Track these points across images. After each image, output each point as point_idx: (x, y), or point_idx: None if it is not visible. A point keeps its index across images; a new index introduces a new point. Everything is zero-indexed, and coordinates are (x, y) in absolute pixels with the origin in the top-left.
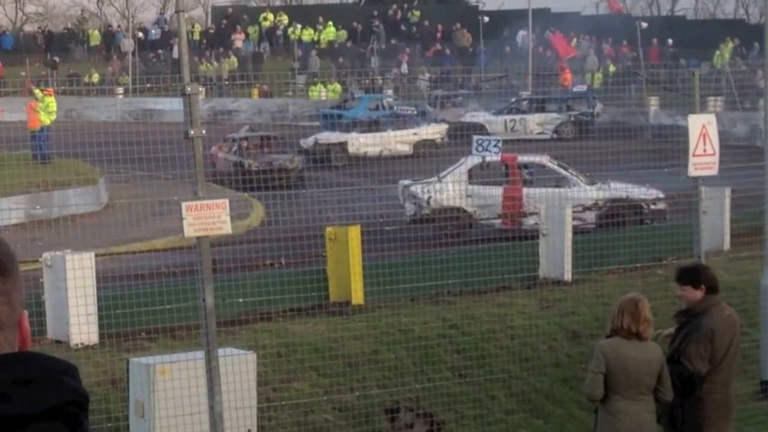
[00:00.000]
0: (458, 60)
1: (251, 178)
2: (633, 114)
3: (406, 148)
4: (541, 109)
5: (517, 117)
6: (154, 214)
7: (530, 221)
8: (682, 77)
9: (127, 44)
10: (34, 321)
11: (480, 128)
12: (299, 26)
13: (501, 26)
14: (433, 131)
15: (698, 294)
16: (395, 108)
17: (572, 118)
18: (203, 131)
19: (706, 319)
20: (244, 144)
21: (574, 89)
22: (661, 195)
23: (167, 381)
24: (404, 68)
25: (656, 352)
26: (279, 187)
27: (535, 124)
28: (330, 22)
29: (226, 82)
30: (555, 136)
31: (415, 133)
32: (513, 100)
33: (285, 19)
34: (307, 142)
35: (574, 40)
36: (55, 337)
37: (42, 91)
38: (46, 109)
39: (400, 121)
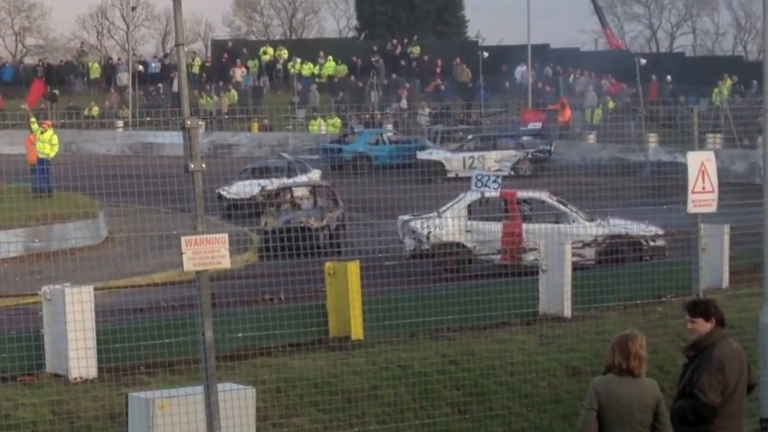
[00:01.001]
0: (458, 95)
1: (266, 237)
2: (632, 150)
3: (304, 192)
4: (494, 147)
5: (476, 154)
6: (154, 248)
7: (530, 257)
8: (680, 114)
9: (125, 78)
10: (32, 354)
11: (437, 165)
12: (299, 60)
13: (500, 61)
14: (316, 176)
15: (708, 326)
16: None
17: (530, 155)
18: (203, 165)
19: (716, 350)
20: (282, 196)
21: (529, 126)
22: (661, 232)
23: (166, 416)
24: (404, 103)
25: (651, 388)
26: (295, 248)
27: (494, 161)
28: (330, 57)
29: (226, 116)
30: (512, 173)
31: (309, 178)
32: (469, 137)
33: (285, 53)
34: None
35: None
36: (54, 370)
37: (40, 124)
38: (50, 141)
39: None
